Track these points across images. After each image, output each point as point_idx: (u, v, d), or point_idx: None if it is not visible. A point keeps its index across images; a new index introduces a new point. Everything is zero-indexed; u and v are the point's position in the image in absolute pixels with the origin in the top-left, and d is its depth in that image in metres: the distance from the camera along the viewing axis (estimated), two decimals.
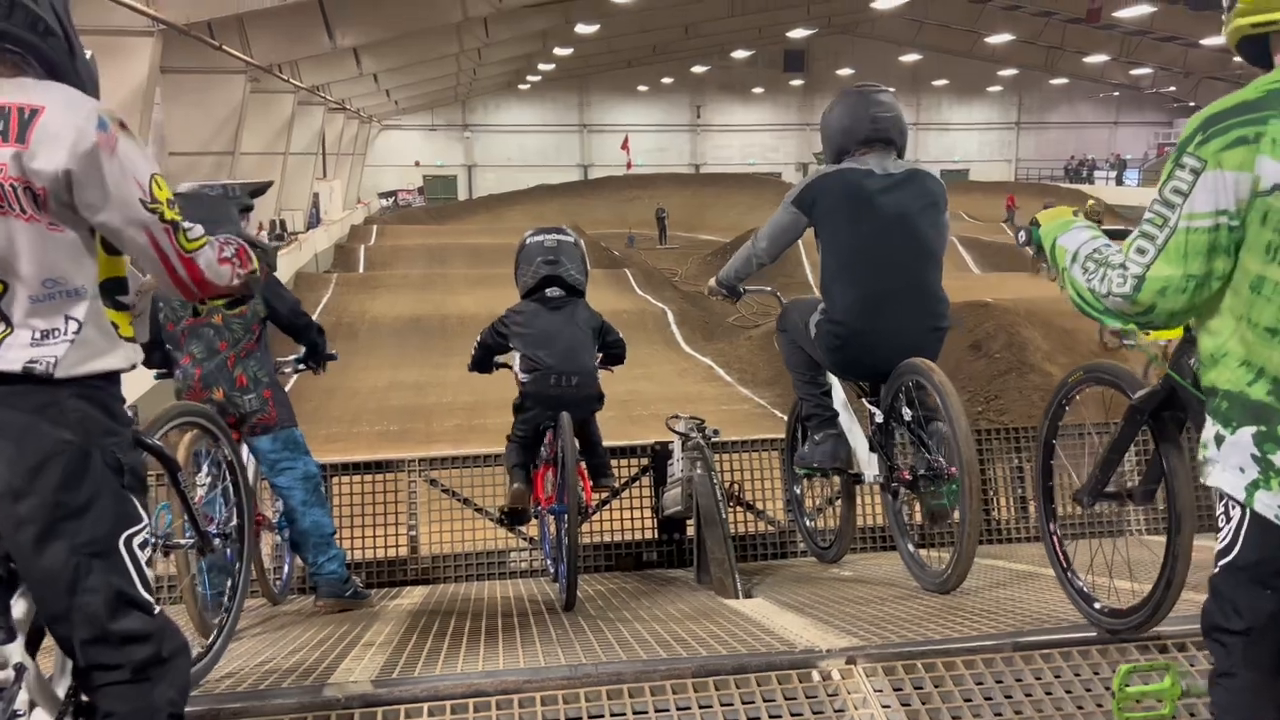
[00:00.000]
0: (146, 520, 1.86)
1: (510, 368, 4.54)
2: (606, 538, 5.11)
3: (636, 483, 5.18)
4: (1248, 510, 1.75)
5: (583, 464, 4.28)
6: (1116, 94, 56.59)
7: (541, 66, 45.73)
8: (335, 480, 4.98)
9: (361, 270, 31.33)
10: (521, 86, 51.85)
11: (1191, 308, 1.83)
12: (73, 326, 1.81)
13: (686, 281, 31.78)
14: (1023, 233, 2.43)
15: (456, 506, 5.07)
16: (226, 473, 3.07)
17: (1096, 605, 2.78)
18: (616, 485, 4.82)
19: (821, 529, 4.95)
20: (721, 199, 48.17)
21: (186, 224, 1.92)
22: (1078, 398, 2.87)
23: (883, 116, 3.93)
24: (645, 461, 5.19)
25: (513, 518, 4.40)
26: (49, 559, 1.72)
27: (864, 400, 3.94)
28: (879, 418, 3.82)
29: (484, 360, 4.57)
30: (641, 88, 54.44)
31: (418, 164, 53.16)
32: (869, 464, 4.01)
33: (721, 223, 44.53)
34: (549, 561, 4.74)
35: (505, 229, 40.57)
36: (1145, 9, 32.55)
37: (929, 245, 3.81)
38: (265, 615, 4.06)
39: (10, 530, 1.73)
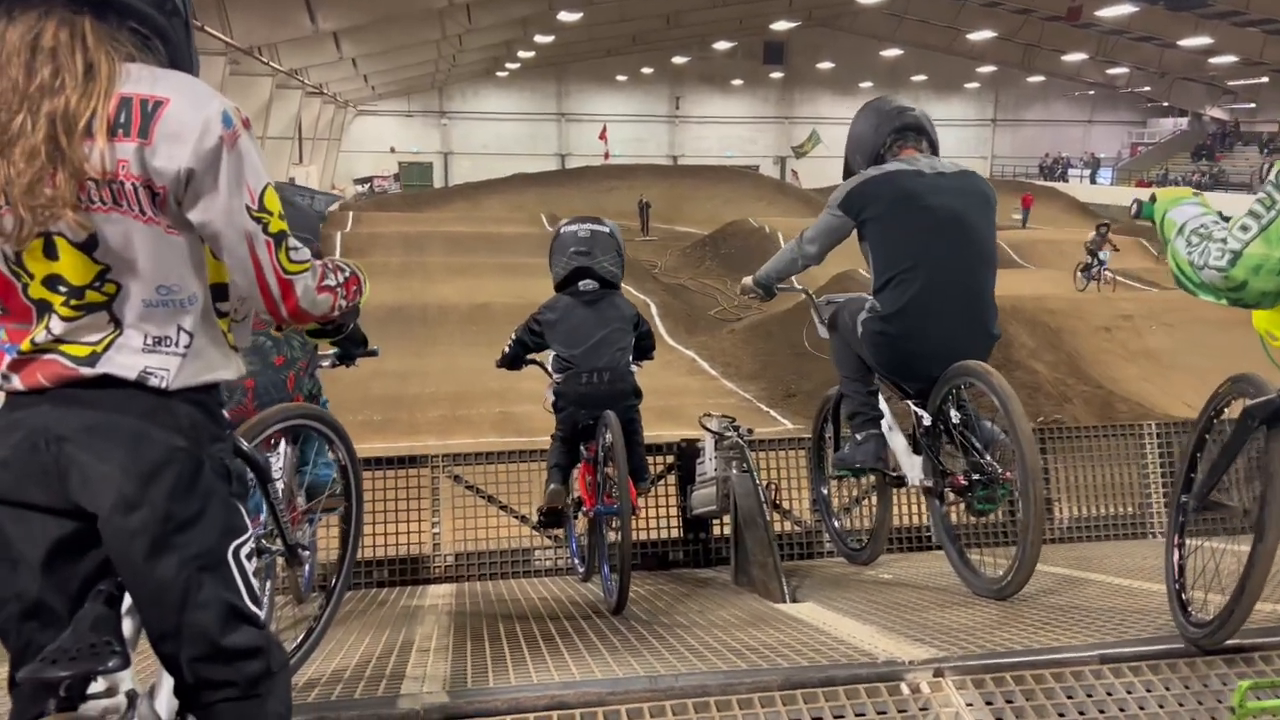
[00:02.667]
0: (251, 529, 1.75)
1: (542, 366, 4.44)
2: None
3: (661, 480, 5.09)
4: None
5: None
6: (1091, 93, 57.10)
7: (521, 54, 45.42)
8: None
9: (338, 257, 30.96)
10: (500, 74, 51.51)
11: None
12: (184, 339, 1.69)
13: (666, 274, 31.71)
14: (1136, 204, 2.41)
15: (479, 503, 4.97)
16: (339, 477, 3.00)
17: (1190, 615, 2.74)
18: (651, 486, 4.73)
19: (851, 530, 4.90)
20: (700, 191, 48.07)
21: (293, 242, 1.76)
22: (1226, 410, 2.79)
23: (909, 108, 3.95)
24: (671, 459, 5.11)
25: (548, 520, 4.30)
26: (161, 573, 1.61)
27: (908, 402, 3.88)
28: (926, 420, 3.76)
29: (516, 359, 4.45)
30: (620, 77, 54.24)
31: (393, 150, 52.67)
32: (911, 466, 3.95)
33: (700, 215, 44.44)
34: (575, 560, 4.66)
35: (483, 217, 40.30)
36: (1126, 8, 32.79)
37: (983, 248, 3.76)
38: (297, 615, 3.95)
39: (121, 544, 1.61)
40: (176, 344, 1.68)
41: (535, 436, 14.68)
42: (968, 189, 3.80)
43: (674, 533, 5.05)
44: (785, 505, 5.15)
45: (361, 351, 4.24)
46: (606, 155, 51.19)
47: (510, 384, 19.93)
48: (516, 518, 4.97)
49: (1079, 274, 25.01)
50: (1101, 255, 24.98)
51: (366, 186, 49.58)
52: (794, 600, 3.76)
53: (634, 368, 4.31)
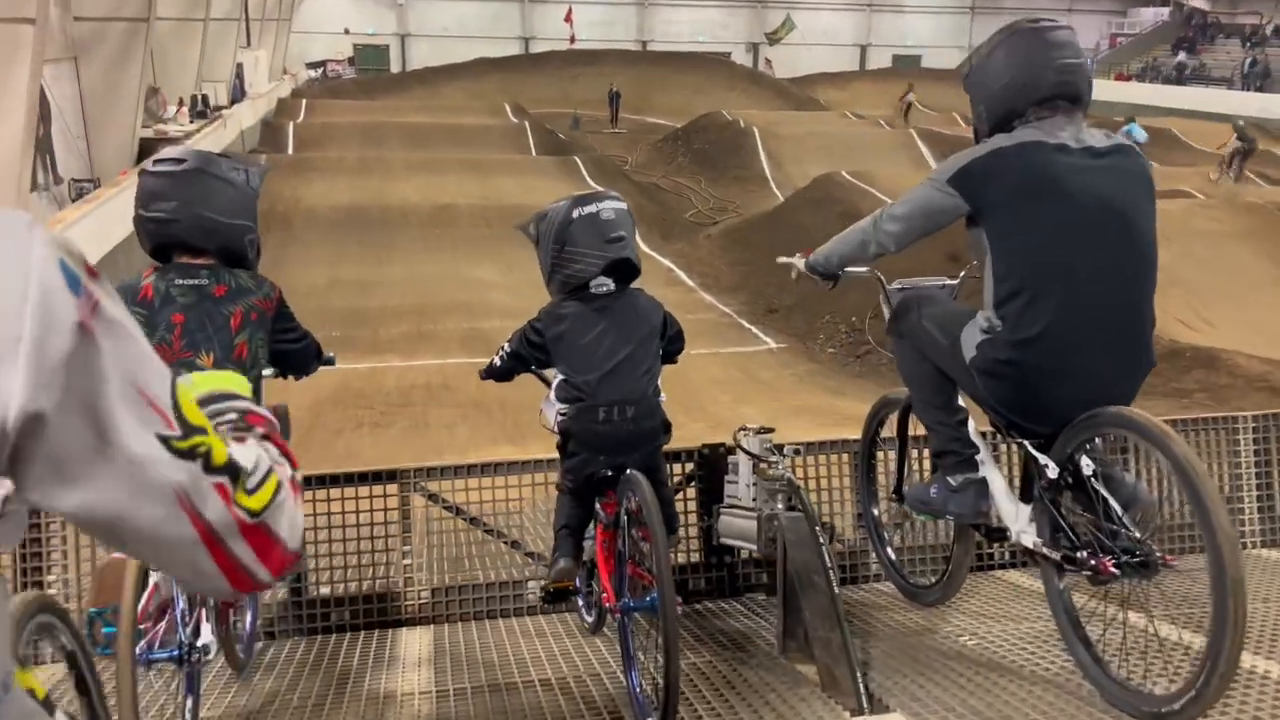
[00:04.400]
0: None
1: (540, 376, 3.48)
2: None
3: (679, 494, 4.23)
4: None
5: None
6: None
7: None
8: (309, 496, 3.95)
9: (291, 151, 29.24)
10: None
11: None
12: None
13: (638, 170, 30.33)
14: None
15: (460, 526, 4.10)
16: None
17: None
18: (680, 538, 3.79)
19: (902, 549, 4.12)
20: (670, 79, 46.21)
21: (245, 453, 0.93)
22: None
23: (1069, 64, 2.91)
24: (690, 467, 4.25)
25: (555, 598, 3.37)
26: None
27: (1025, 444, 3.01)
28: (1051, 471, 2.90)
29: (509, 371, 3.47)
30: None
31: (347, 32, 49.88)
32: (1016, 517, 3.12)
33: (670, 104, 42.75)
34: (581, 608, 3.75)
35: (443, 106, 38.37)
36: None
37: (1144, 250, 2.84)
38: (238, 711, 3.09)
39: None
40: None
41: None
42: (1125, 170, 2.85)
43: (694, 556, 4.22)
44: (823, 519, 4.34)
45: (316, 365, 3.32)
46: (572, 39, 48.86)
47: (477, 295, 18.85)
48: (506, 543, 4.11)
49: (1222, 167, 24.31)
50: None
51: (319, 71, 47.13)
52: (870, 699, 2.95)
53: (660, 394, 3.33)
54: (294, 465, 1.06)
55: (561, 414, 3.22)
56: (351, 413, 12.27)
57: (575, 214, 3.30)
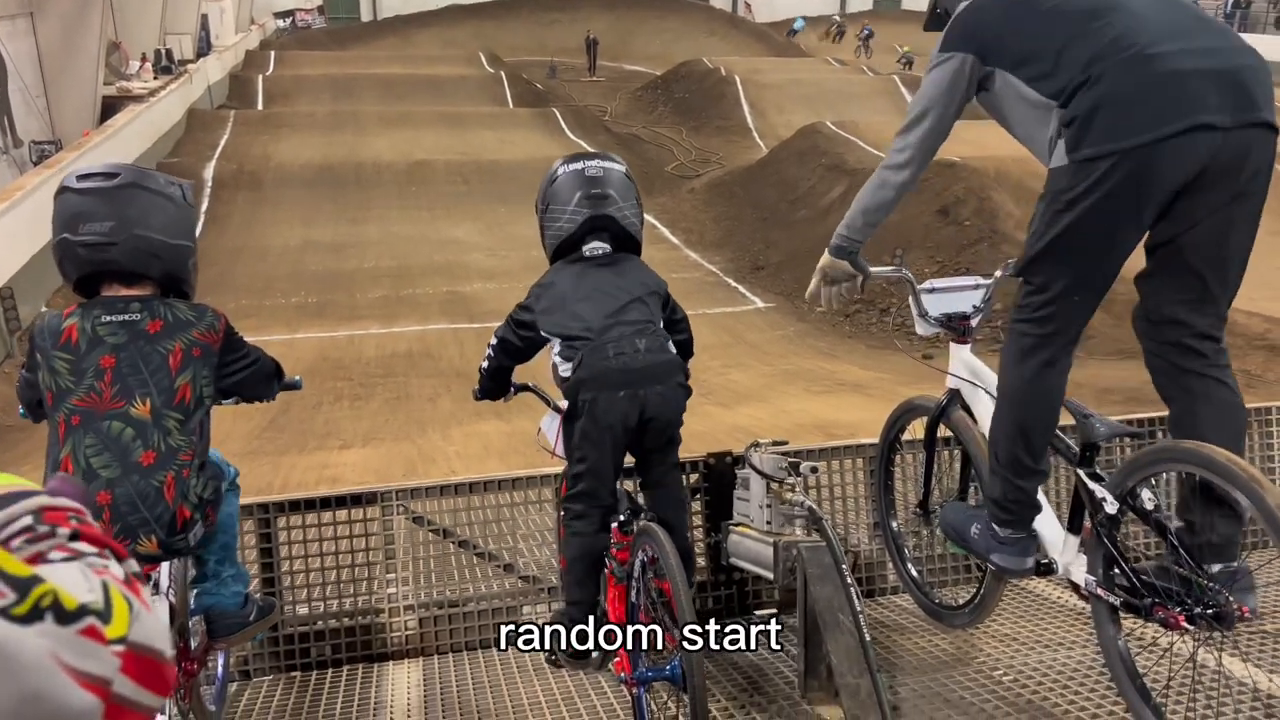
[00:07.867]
0: None
1: (539, 394, 3.12)
2: None
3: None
4: None
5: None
6: None
7: None
8: (282, 522, 3.63)
9: (261, 106, 28.41)
10: None
11: None
12: None
13: (617, 121, 29.68)
14: None
15: (447, 550, 3.79)
16: None
17: None
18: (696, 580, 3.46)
19: (922, 564, 3.86)
20: (648, 24, 45.38)
21: (72, 585, 0.80)
22: None
23: None
24: (695, 478, 3.95)
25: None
26: None
27: (1079, 473, 2.71)
28: (1110, 506, 2.61)
29: (501, 374, 3.10)
30: None
31: None
32: (1064, 549, 2.84)
33: (649, 51, 41.99)
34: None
35: (416, 56, 37.45)
36: None
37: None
38: None
39: None
40: None
41: (488, 322, 13.40)
42: None
43: (701, 574, 3.94)
44: (837, 530, 4.06)
45: (277, 387, 2.97)
46: None
47: (456, 257, 18.36)
48: (498, 565, 3.81)
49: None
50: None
51: (288, 21, 45.87)
52: None
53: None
54: (120, 555, 0.90)
55: (565, 375, 2.86)
56: (330, 384, 11.87)
57: (559, 171, 3.01)
